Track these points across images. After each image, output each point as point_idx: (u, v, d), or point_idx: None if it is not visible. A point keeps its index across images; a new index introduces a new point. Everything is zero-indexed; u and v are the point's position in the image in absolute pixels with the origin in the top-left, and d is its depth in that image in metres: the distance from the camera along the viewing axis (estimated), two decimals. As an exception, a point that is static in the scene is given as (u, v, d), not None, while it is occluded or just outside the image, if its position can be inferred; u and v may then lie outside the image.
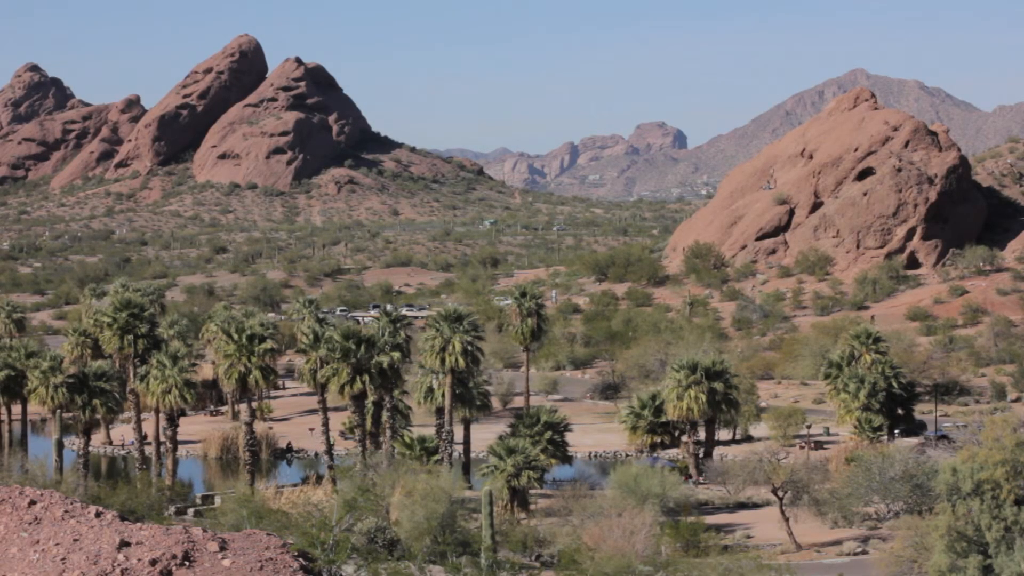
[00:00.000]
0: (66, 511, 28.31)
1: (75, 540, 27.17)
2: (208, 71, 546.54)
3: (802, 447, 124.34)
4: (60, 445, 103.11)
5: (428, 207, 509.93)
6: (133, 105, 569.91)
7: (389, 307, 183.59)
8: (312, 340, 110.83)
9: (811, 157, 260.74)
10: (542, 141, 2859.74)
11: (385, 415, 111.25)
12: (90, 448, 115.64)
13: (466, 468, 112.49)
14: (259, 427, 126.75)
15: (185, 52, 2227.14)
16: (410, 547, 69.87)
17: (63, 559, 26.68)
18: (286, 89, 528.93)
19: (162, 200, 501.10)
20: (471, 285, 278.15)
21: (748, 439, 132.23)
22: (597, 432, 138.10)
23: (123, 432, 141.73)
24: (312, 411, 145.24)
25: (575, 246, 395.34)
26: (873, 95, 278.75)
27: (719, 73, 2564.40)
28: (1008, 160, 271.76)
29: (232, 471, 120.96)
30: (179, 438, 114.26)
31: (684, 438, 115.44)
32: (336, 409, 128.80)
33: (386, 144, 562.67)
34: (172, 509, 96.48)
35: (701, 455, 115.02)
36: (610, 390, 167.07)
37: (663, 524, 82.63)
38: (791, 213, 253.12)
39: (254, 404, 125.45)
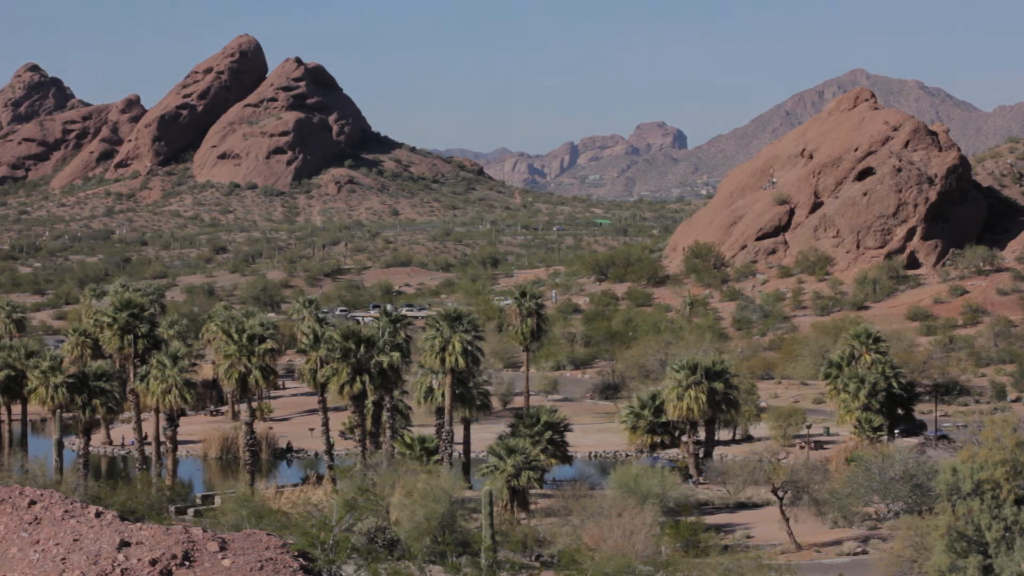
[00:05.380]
0: (66, 511, 28.32)
1: (75, 540, 27.17)
2: (208, 71, 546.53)
3: (802, 447, 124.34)
4: (60, 445, 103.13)
5: (428, 207, 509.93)
6: (133, 105, 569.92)
7: (389, 307, 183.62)
8: (312, 340, 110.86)
9: (811, 157, 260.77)
10: (542, 141, 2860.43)
11: (385, 415, 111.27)
12: (90, 448, 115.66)
13: (466, 468, 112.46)
14: (259, 427, 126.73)
15: (185, 52, 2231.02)
16: (410, 547, 69.89)
17: (63, 559, 26.68)
18: (286, 89, 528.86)
19: (162, 200, 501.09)
20: (471, 285, 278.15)
21: (748, 439, 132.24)
22: (597, 432, 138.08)
23: (123, 432, 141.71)
24: (312, 411, 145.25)
25: (575, 246, 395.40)
26: (873, 95, 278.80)
27: (719, 73, 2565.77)
28: (1008, 160, 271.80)
29: (232, 471, 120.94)
30: (179, 438, 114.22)
31: (684, 438, 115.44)
32: (336, 409, 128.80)
33: (386, 144, 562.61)
34: (172, 509, 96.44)
35: (701, 455, 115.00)
36: (610, 390, 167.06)
37: (663, 524, 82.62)
38: (791, 213, 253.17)
39: (254, 404, 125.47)
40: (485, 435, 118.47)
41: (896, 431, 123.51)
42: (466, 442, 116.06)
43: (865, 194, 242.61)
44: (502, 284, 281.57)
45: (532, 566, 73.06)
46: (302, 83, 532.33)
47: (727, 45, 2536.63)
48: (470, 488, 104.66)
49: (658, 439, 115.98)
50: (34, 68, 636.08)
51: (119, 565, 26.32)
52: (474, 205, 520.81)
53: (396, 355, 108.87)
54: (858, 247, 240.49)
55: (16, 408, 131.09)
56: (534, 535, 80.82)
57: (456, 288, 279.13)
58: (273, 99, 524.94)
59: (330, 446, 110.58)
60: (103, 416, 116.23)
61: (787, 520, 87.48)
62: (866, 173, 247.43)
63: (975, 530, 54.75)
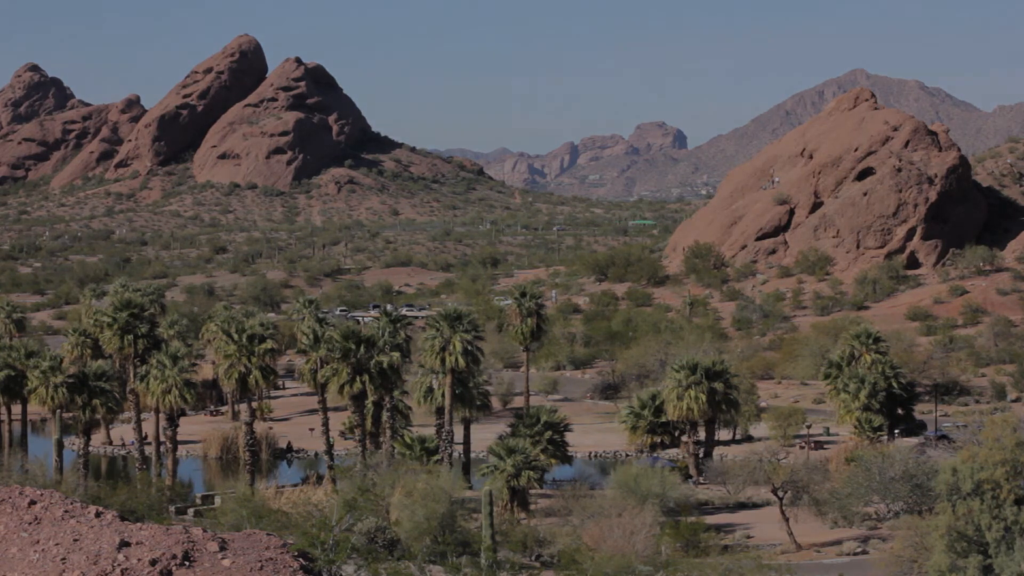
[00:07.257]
0: (66, 511, 28.32)
1: (75, 540, 27.17)
2: (208, 71, 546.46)
3: (802, 447, 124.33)
4: (60, 445, 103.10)
5: (428, 207, 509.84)
6: (133, 105, 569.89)
7: (389, 307, 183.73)
8: (312, 340, 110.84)
9: (811, 157, 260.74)
10: (542, 141, 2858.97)
11: (385, 415, 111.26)
12: (90, 448, 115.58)
13: (466, 468, 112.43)
14: (259, 427, 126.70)
15: (185, 52, 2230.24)
16: (410, 547, 69.90)
17: (63, 559, 26.68)
18: (286, 89, 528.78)
19: (162, 200, 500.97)
20: (471, 285, 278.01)
21: (748, 439, 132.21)
22: (597, 432, 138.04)
23: (123, 432, 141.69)
24: (312, 411, 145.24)
25: (575, 246, 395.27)
26: (873, 95, 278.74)
27: (719, 73, 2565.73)
28: (1008, 160, 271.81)
29: (232, 471, 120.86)
30: (179, 438, 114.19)
31: (684, 438, 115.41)
32: (336, 409, 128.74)
33: (386, 144, 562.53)
34: (172, 509, 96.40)
35: (701, 455, 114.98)
36: (610, 390, 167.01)
37: (663, 524, 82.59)
38: (791, 213, 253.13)
39: (254, 404, 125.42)
40: (485, 435, 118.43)
41: (896, 431, 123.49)
42: (466, 442, 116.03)
43: (865, 194, 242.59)
44: (502, 284, 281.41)
45: (532, 566, 73.04)
46: (302, 83, 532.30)
47: (727, 45, 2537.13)
48: (470, 488, 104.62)
49: (658, 439, 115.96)
50: (34, 68, 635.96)
51: (119, 565, 26.31)
52: (474, 205, 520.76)
53: (396, 355, 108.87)
54: (858, 247, 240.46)
55: (16, 408, 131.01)
56: (534, 535, 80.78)
57: (456, 288, 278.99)
58: (273, 99, 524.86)
59: (330, 446, 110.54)
60: (103, 416, 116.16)
61: (787, 520, 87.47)
62: (866, 173, 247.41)
63: (975, 530, 54.75)
